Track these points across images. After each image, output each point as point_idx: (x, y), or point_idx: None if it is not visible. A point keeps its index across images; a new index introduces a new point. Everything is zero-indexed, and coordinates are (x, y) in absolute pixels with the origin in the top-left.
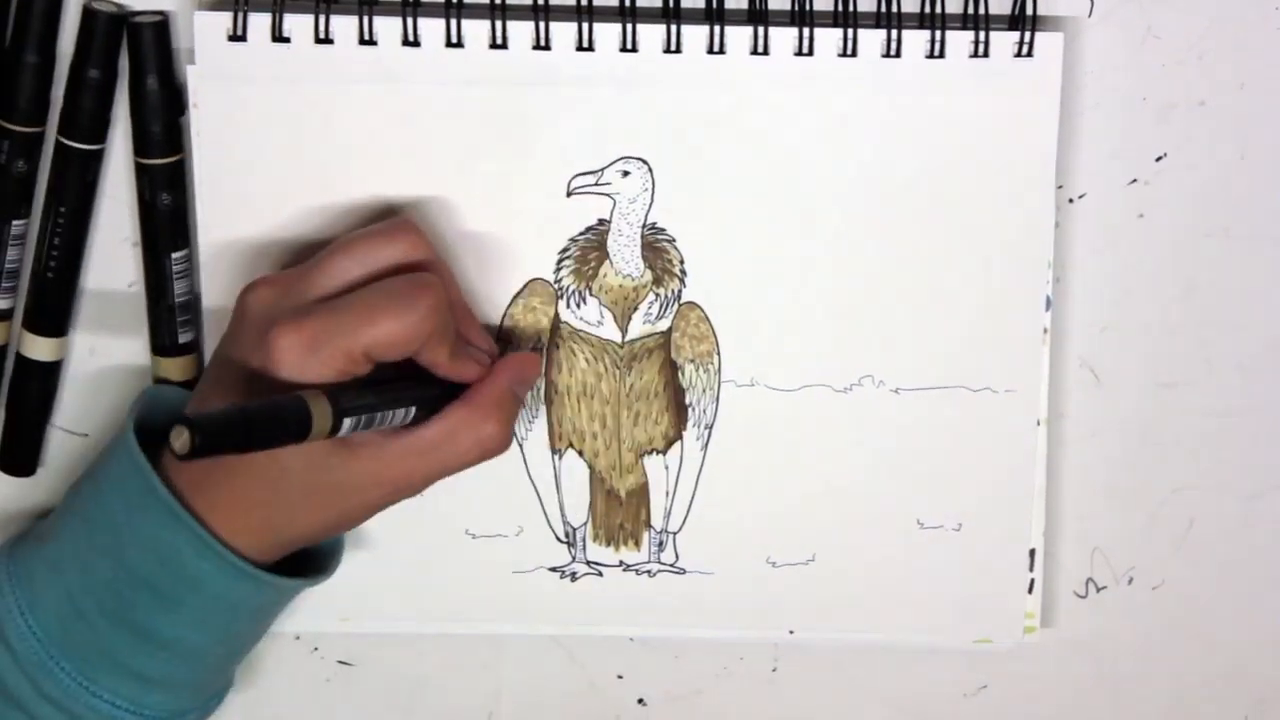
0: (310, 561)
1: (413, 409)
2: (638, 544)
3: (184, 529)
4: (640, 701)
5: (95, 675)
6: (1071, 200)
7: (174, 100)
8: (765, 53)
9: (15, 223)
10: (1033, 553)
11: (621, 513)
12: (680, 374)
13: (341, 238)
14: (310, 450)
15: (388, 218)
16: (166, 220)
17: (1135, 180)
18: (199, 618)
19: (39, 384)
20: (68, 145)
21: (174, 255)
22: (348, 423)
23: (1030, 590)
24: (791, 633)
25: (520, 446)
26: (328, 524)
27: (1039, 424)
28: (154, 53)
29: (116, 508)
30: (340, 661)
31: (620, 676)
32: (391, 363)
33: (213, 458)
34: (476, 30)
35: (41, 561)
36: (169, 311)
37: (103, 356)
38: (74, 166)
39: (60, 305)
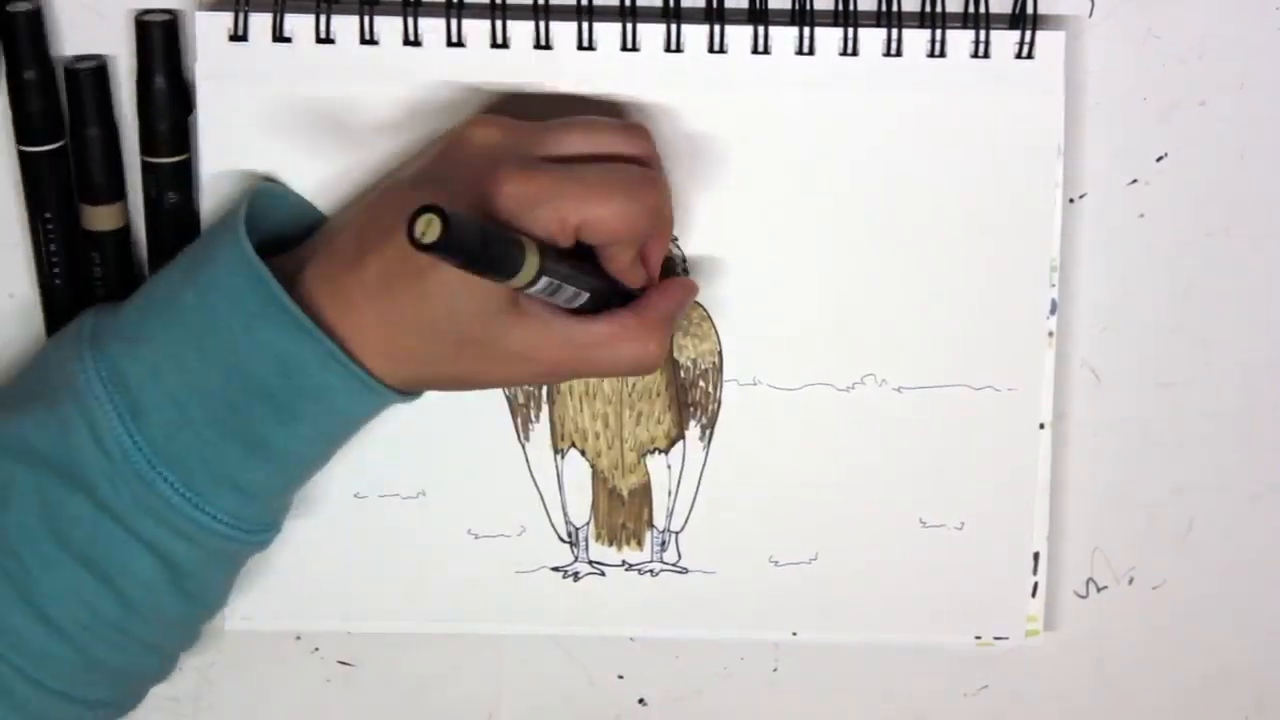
0: None
1: (586, 295)
2: (640, 543)
3: (311, 340)
4: (640, 701)
5: (199, 487)
6: (1072, 200)
7: (182, 99)
8: (766, 52)
9: None
10: (1036, 556)
11: (624, 512)
12: (682, 373)
13: (582, 117)
14: (485, 299)
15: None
16: (172, 219)
17: (1135, 180)
18: (314, 431)
19: None
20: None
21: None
22: (542, 282)
23: (1034, 594)
24: (795, 634)
25: (522, 446)
26: (466, 378)
27: (1043, 427)
28: (162, 51)
29: (230, 316)
30: (340, 662)
31: (620, 676)
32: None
33: (438, 257)
34: (477, 30)
35: (137, 364)
36: None
37: None
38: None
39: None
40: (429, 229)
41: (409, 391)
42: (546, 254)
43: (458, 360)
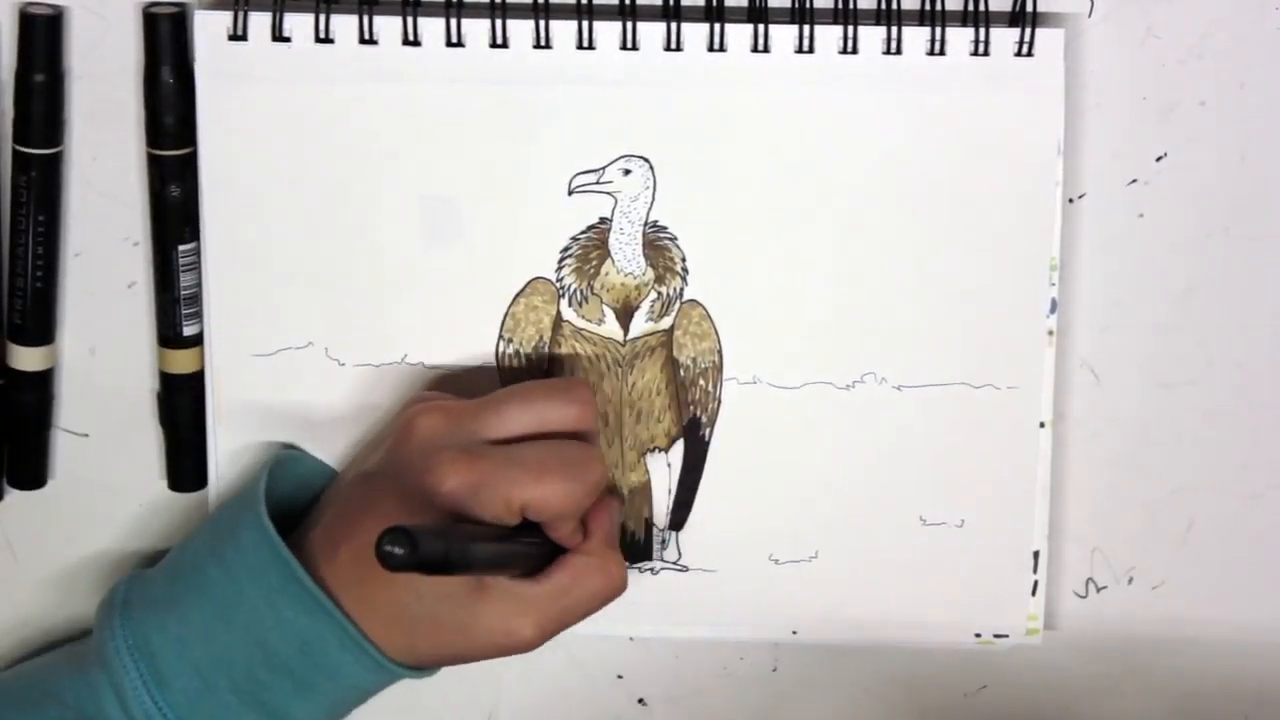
0: None
1: (537, 557)
2: (640, 542)
3: (330, 621)
4: (640, 701)
5: None
6: (1071, 200)
7: (188, 92)
8: (765, 50)
9: (182, 247)
10: (1037, 555)
11: (624, 511)
12: (682, 372)
13: (519, 386)
14: (449, 584)
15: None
16: (176, 212)
17: (1135, 180)
18: (329, 702)
19: (34, 394)
20: (27, 153)
21: (181, 248)
22: (495, 563)
23: (1034, 592)
24: (795, 633)
25: None
26: (459, 656)
27: (1043, 426)
28: (170, 44)
29: (254, 593)
30: None
31: (620, 676)
32: None
33: (407, 572)
34: (477, 29)
35: (163, 634)
36: (174, 304)
37: (103, 357)
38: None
39: (49, 313)
40: (396, 549)
41: (422, 666)
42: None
43: (439, 641)
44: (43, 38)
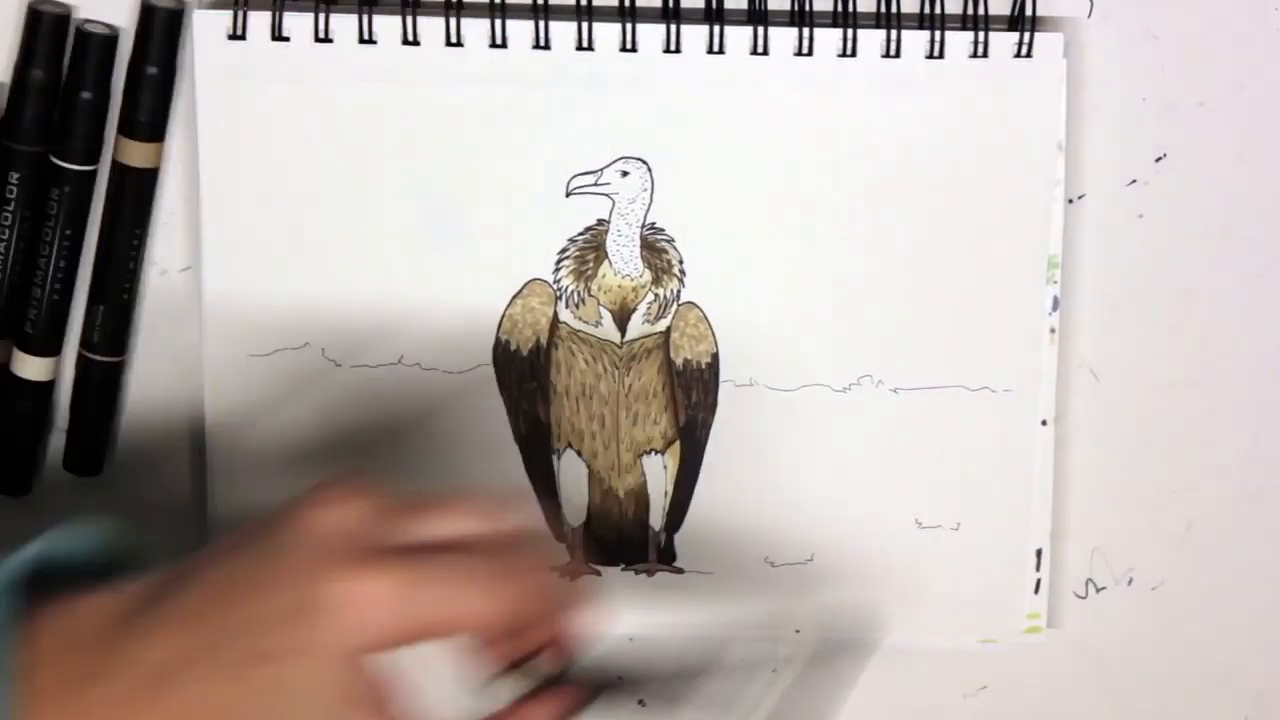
0: None
1: None
2: (636, 544)
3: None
4: (640, 702)
5: None
6: (1071, 200)
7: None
8: (765, 53)
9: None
10: (1039, 553)
11: (620, 513)
12: (679, 374)
13: (448, 492)
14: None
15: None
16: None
17: (1135, 180)
18: None
19: (31, 404)
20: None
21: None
22: None
23: (1036, 590)
24: (797, 632)
25: (519, 446)
26: None
27: (1044, 425)
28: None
29: None
30: None
31: (620, 677)
32: None
33: None
34: (476, 30)
35: None
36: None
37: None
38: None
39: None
40: None
41: None
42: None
43: None
44: (96, 55)
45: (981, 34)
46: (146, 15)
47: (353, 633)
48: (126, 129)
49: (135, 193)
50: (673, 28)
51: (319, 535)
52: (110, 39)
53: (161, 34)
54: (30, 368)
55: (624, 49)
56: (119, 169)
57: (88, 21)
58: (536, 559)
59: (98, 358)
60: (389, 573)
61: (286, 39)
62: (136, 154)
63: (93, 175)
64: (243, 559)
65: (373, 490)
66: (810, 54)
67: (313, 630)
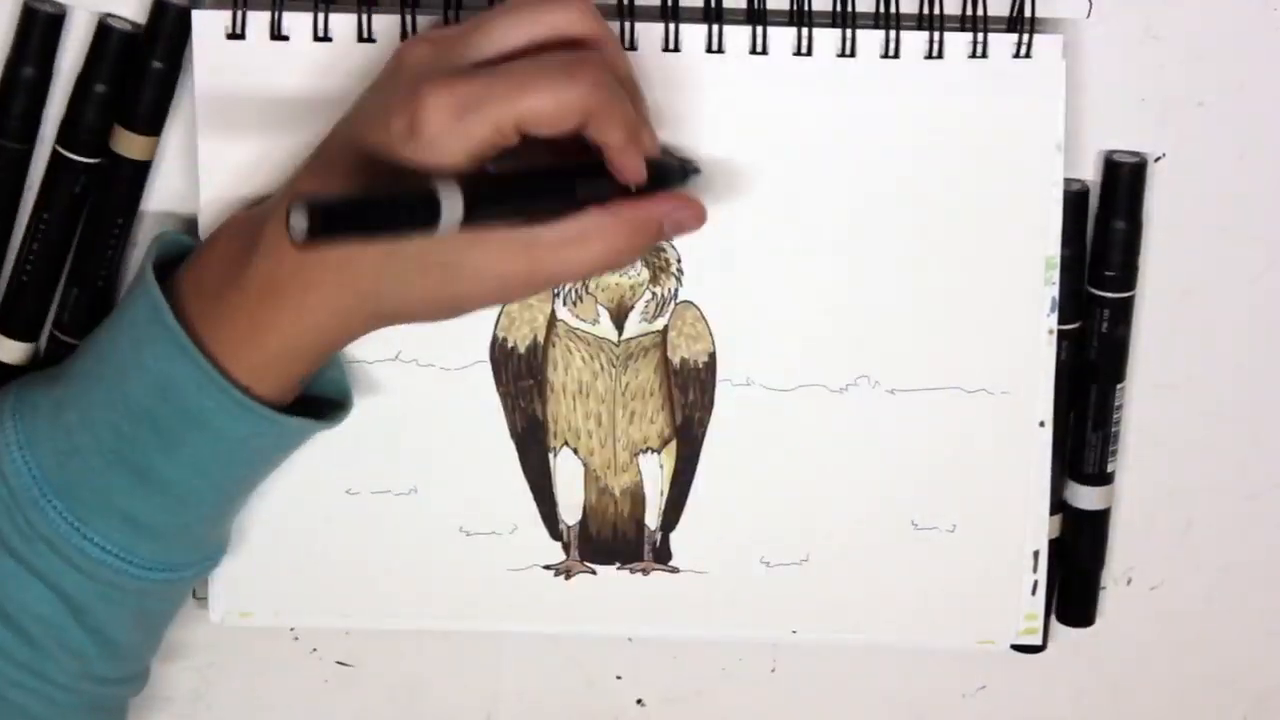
0: (318, 409)
1: (555, 207)
2: (632, 543)
3: (188, 360)
4: (639, 702)
5: (87, 516)
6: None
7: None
8: (764, 52)
9: None
10: (1036, 554)
11: (616, 511)
12: (676, 373)
13: (506, 4)
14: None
15: None
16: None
17: None
18: (200, 458)
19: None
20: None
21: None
22: (479, 215)
23: (1033, 592)
24: (794, 632)
25: (515, 444)
26: (430, 304)
27: (1042, 425)
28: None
29: (124, 342)
30: (339, 662)
31: (619, 677)
32: (569, 140)
33: (331, 244)
34: None
35: (46, 398)
36: None
37: None
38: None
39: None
40: (298, 221)
41: (323, 416)
42: (482, 182)
43: (413, 291)
44: (115, 51)
45: (980, 35)
46: (158, 11)
47: (444, 138)
48: (125, 120)
49: (126, 183)
50: (672, 27)
51: (407, 74)
52: (134, 35)
53: (170, 30)
54: (8, 351)
55: (623, 48)
56: (112, 158)
57: (110, 16)
58: (596, 57)
59: (68, 339)
60: (464, 80)
61: (286, 38)
62: (133, 145)
63: (100, 168)
64: (345, 134)
65: (442, 31)
66: (809, 54)
67: (402, 159)
